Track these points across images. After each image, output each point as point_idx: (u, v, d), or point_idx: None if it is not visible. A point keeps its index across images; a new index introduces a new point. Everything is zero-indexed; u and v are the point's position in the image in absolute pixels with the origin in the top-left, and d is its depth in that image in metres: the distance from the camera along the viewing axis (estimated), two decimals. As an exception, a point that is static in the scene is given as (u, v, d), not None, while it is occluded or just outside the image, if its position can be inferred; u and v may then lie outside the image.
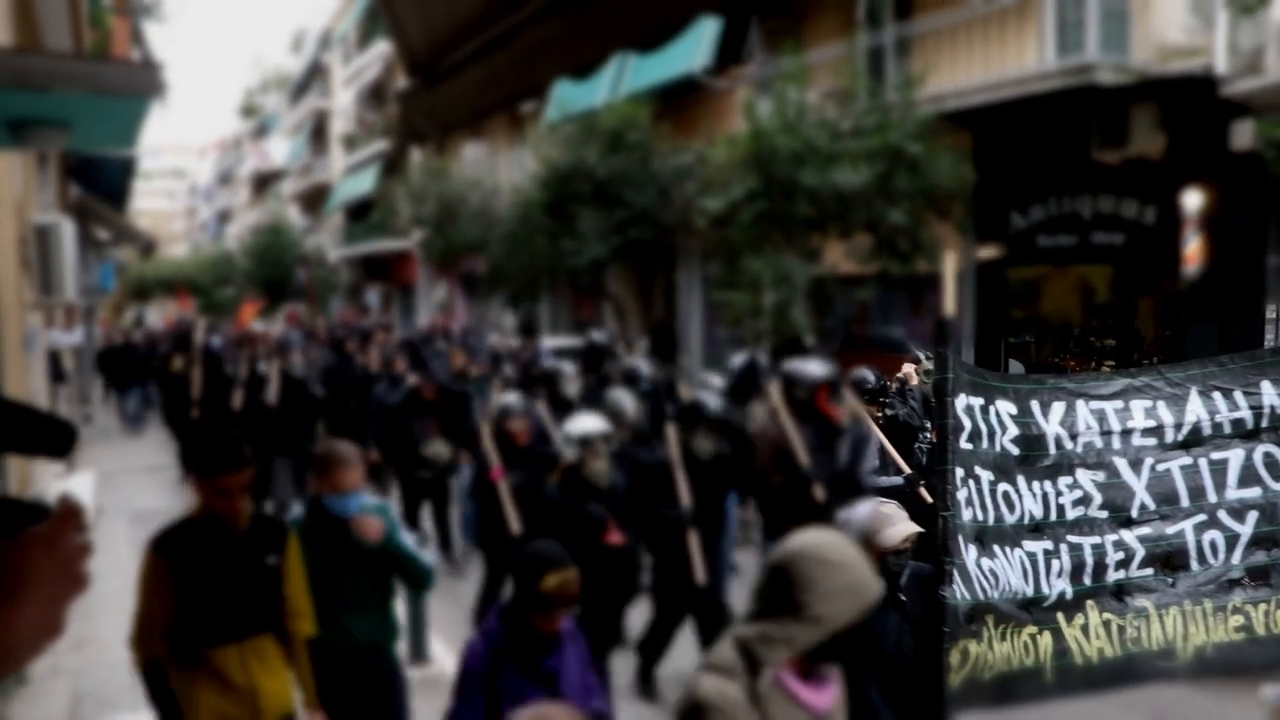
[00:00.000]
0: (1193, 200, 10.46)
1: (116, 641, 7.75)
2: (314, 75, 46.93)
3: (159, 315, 47.14)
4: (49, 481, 11.12)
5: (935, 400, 3.67)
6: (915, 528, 3.73)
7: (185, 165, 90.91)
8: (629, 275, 19.62)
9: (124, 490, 13.34)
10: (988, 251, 13.17)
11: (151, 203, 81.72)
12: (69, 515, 1.21)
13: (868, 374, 5.69)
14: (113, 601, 8.52)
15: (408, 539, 4.67)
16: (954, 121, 12.22)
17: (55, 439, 1.30)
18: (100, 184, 16.95)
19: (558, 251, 16.97)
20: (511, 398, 7.77)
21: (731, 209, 12.33)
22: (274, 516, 4.84)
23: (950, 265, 3.92)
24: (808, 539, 2.65)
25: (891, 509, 3.83)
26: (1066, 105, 11.22)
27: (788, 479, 6.40)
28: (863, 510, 3.82)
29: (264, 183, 57.95)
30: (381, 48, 34.68)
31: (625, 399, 8.34)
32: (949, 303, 3.81)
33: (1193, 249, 10.53)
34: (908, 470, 4.67)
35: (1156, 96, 10.90)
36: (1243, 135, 9.80)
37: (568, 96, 20.00)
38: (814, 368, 6.82)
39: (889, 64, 14.05)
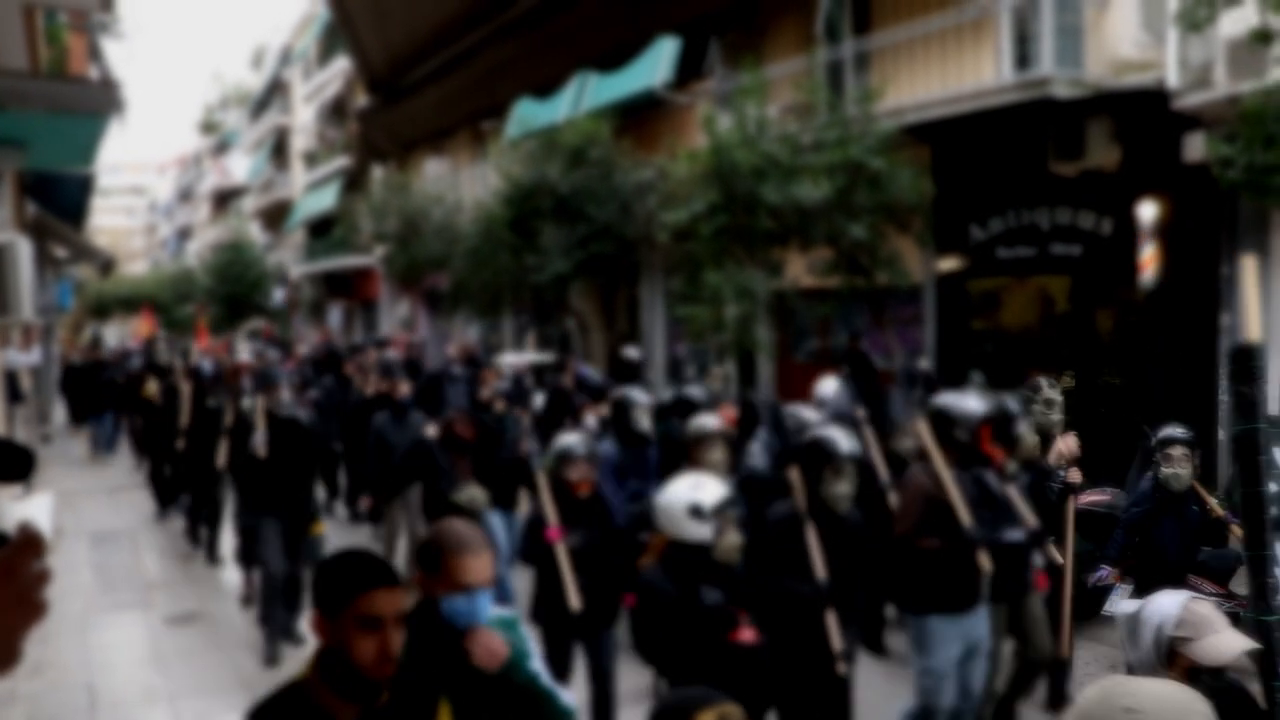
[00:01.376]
0: (1148, 211, 10.62)
1: (75, 665, 7.68)
2: (274, 91, 46.65)
3: (117, 334, 46.60)
4: (6, 504, 10.95)
5: (1241, 459, 3.01)
6: (1246, 640, 2.94)
7: (145, 182, 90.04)
8: (592, 290, 19.62)
9: (84, 511, 13.18)
10: (948, 264, 13.30)
11: (110, 220, 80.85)
12: (28, 543, 1.20)
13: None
14: (72, 625, 8.43)
15: (540, 667, 3.34)
16: (913, 135, 12.34)
17: (14, 464, 1.29)
18: (58, 201, 16.74)
19: (521, 267, 16.95)
20: (573, 438, 6.14)
21: (692, 223, 12.38)
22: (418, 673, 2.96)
23: (1250, 274, 3.14)
24: (1114, 685, 1.94)
25: (1208, 609, 2.95)
26: (1023, 118, 11.37)
27: (945, 542, 5.14)
28: (1164, 607, 2.94)
29: (224, 199, 57.48)
30: (342, 64, 34.55)
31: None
32: (1253, 322, 3.00)
33: (1148, 259, 10.69)
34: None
35: (1111, 110, 11.07)
36: (1194, 148, 9.97)
37: (529, 113, 20.01)
38: (974, 403, 5.52)
39: (848, 78, 14.17)
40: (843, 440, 5.20)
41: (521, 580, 7.43)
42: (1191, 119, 10.06)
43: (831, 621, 4.90)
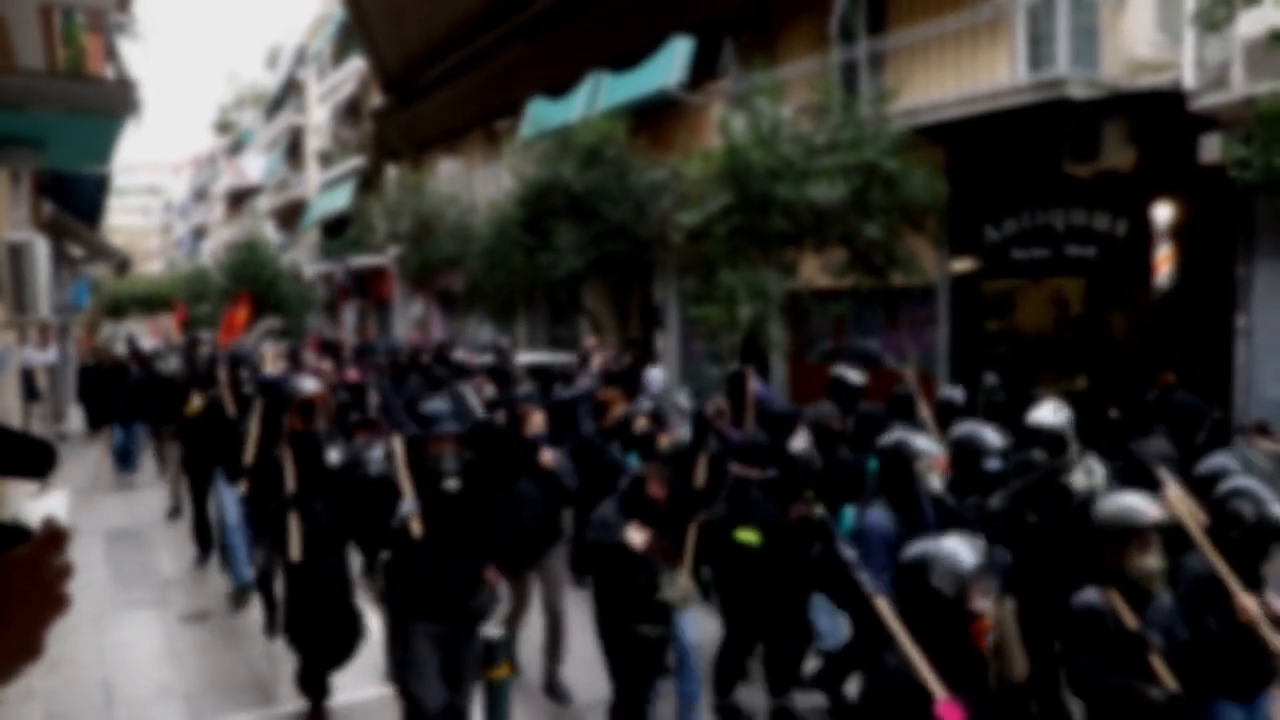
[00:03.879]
0: (1163, 213, 10.58)
1: (91, 662, 7.72)
2: (289, 91, 46.79)
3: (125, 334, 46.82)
4: (22, 501, 11.01)
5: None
6: None
7: (160, 182, 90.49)
8: (605, 290, 19.65)
9: (99, 509, 13.23)
10: (962, 265, 13.27)
11: (126, 219, 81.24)
12: (53, 537, 1.21)
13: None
14: (87, 622, 8.48)
15: None
16: (927, 135, 12.32)
17: (36, 460, 1.30)
18: (74, 201, 16.84)
19: (535, 266, 16.98)
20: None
21: (707, 223, 12.37)
22: None
23: None
24: None
25: None
26: (1038, 119, 11.33)
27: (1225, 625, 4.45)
28: None
29: (239, 199, 57.68)
30: (357, 64, 34.63)
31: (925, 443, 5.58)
32: None
33: (1163, 260, 10.65)
34: None
35: (1126, 111, 11.03)
36: (1210, 149, 9.93)
37: (543, 113, 20.05)
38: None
39: (863, 79, 14.15)
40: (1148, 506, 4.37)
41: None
42: (1208, 120, 10.02)
43: None
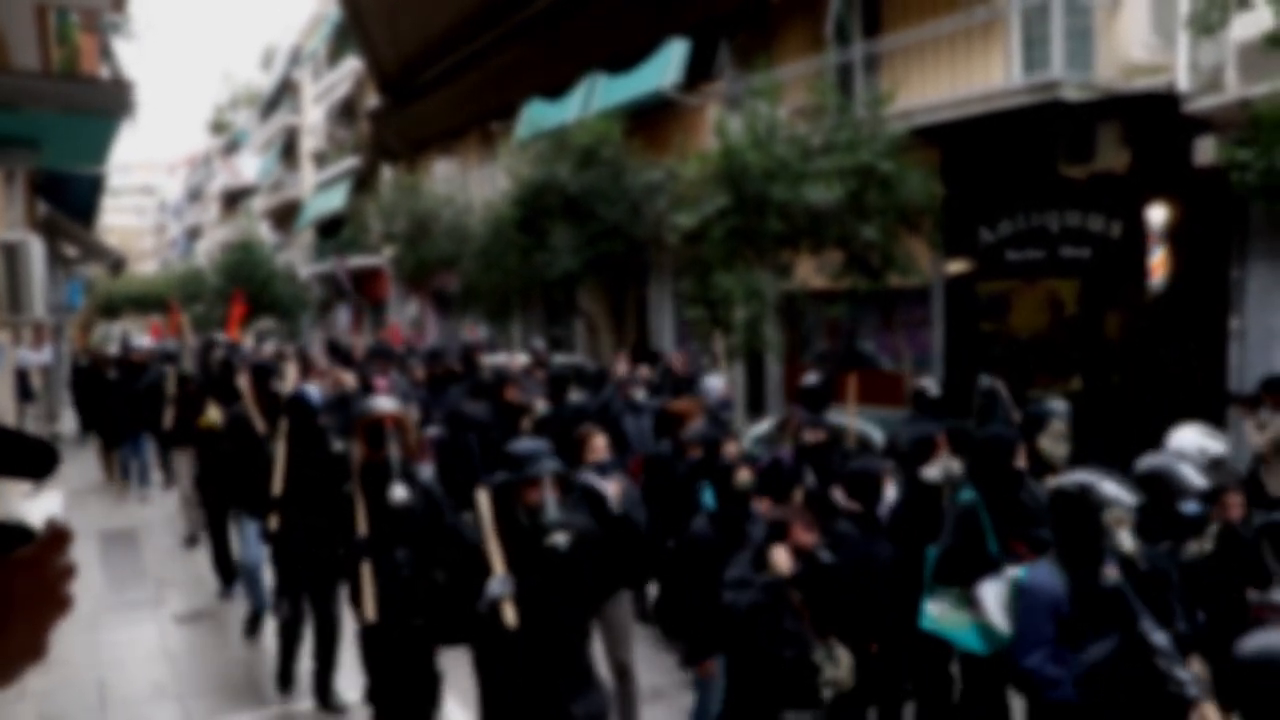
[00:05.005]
0: (1157, 215, 10.61)
1: (85, 662, 7.71)
2: (284, 91, 46.76)
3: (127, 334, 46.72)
4: (17, 501, 11.00)
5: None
6: None
7: (155, 182, 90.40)
8: (601, 291, 19.65)
9: (93, 509, 13.22)
10: (957, 266, 13.29)
11: (121, 219, 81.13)
12: (56, 538, 1.21)
13: None
14: (82, 623, 8.47)
15: None
16: (923, 137, 12.34)
17: (36, 461, 1.30)
18: (68, 201, 16.83)
19: (530, 267, 16.99)
20: None
21: (703, 225, 12.38)
22: None
23: None
24: None
25: None
26: (1033, 121, 11.36)
27: None
28: None
29: (234, 199, 57.62)
30: (352, 64, 34.62)
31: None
32: None
33: (1158, 262, 10.68)
34: None
35: (1120, 113, 11.06)
36: (1204, 151, 9.95)
37: (539, 114, 20.04)
38: None
39: (858, 80, 14.17)
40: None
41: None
42: (1202, 122, 10.04)
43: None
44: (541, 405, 9.07)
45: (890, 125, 12.01)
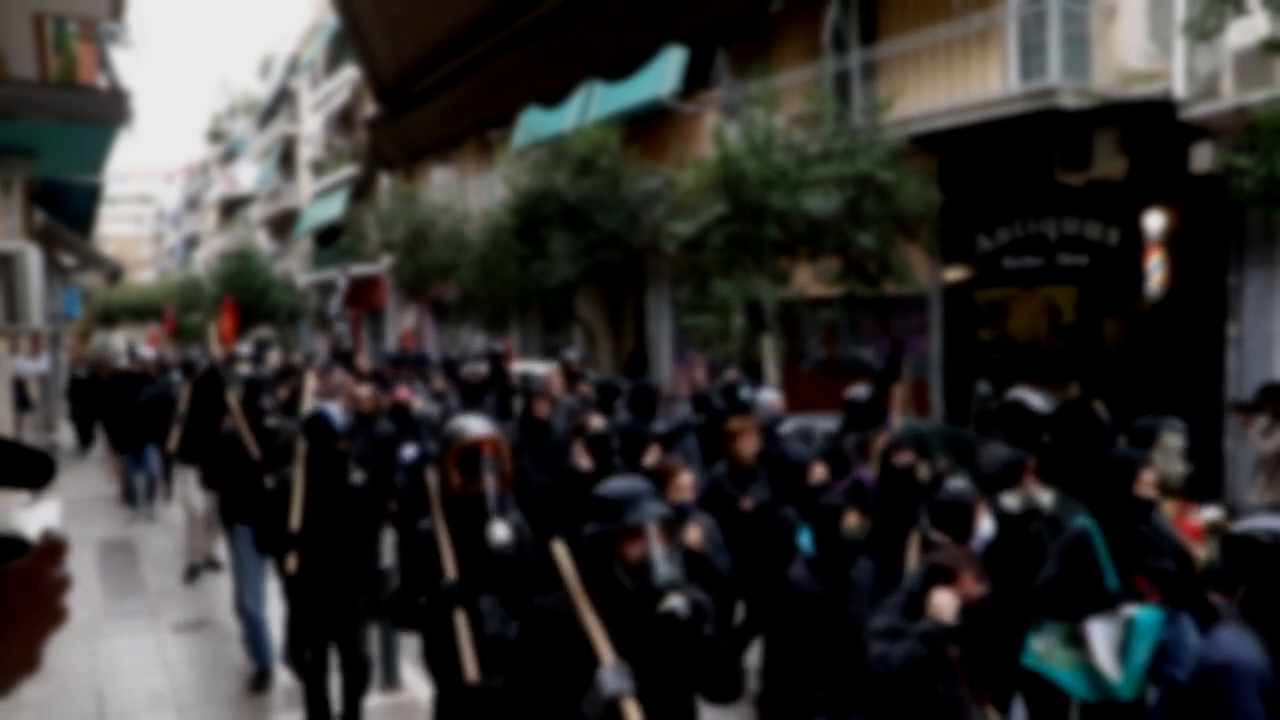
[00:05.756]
0: (1154, 222, 10.62)
1: (83, 672, 7.68)
2: (282, 100, 46.80)
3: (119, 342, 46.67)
4: (14, 511, 10.98)
5: None
6: None
7: (152, 190, 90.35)
8: (599, 299, 19.66)
9: (91, 519, 13.19)
10: (954, 273, 13.30)
11: (118, 228, 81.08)
12: (52, 550, 1.20)
13: None
14: (79, 632, 8.44)
15: None
16: (920, 145, 12.35)
17: (33, 471, 1.30)
18: (66, 210, 16.83)
19: (528, 275, 17.00)
20: None
21: (701, 233, 12.39)
22: None
23: None
24: None
25: None
26: (1030, 129, 11.37)
27: None
28: None
29: (232, 208, 57.64)
30: (350, 73, 34.64)
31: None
32: None
33: (1155, 269, 10.69)
34: None
35: (1117, 120, 11.07)
36: (1201, 158, 9.97)
37: (536, 122, 20.07)
38: None
39: (855, 88, 14.18)
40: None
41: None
42: (1198, 129, 10.06)
43: None
44: (597, 422, 7.57)
45: (888, 133, 12.03)
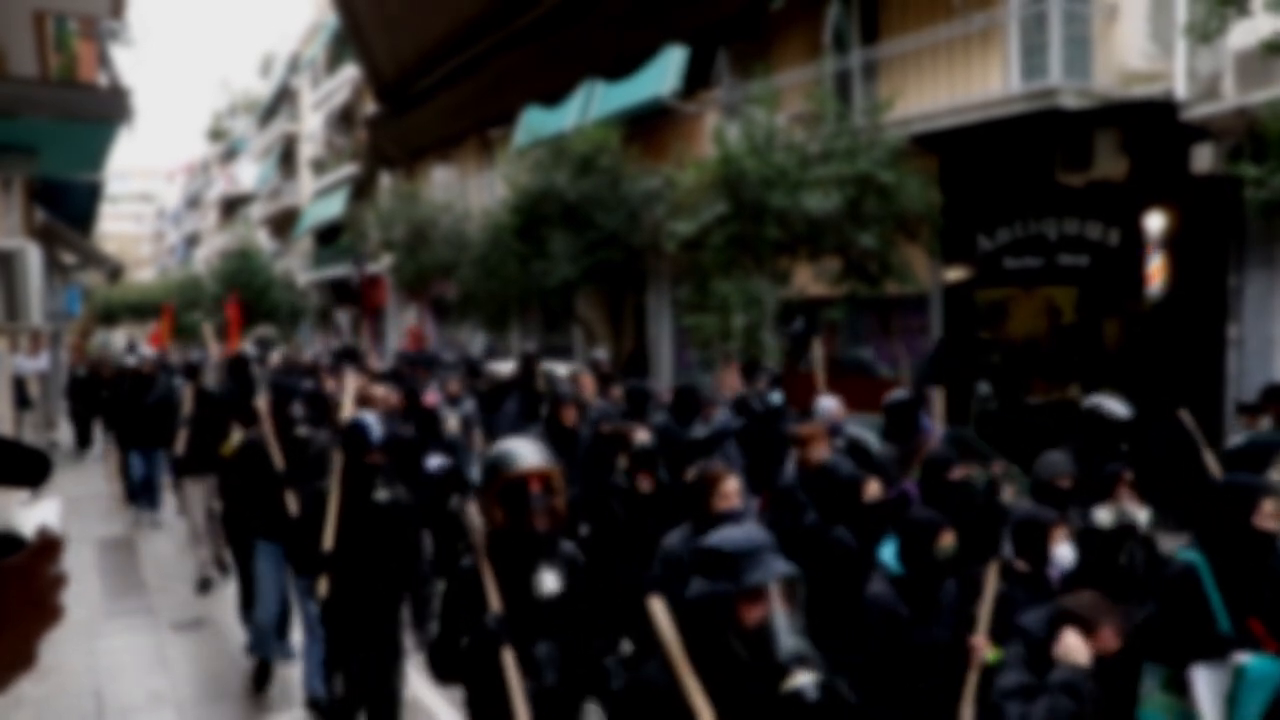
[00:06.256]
0: (1155, 222, 10.62)
1: (82, 670, 7.69)
2: (283, 99, 46.81)
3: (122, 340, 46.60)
4: (13, 509, 10.97)
5: None
6: None
7: (153, 189, 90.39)
8: (599, 298, 19.65)
9: (90, 517, 13.19)
10: (955, 274, 13.29)
11: (118, 226, 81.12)
12: (47, 547, 1.20)
13: None
14: (79, 630, 8.44)
15: None
16: (921, 144, 12.35)
17: (29, 469, 1.29)
18: (66, 208, 16.83)
19: (528, 274, 16.99)
20: None
21: (701, 232, 12.38)
22: None
23: None
24: None
25: None
26: (1031, 129, 11.37)
27: None
28: None
29: (232, 206, 57.66)
30: (350, 72, 34.65)
31: None
32: None
33: (1155, 270, 10.69)
34: None
35: (1118, 121, 11.07)
36: (1202, 159, 9.97)
37: (537, 121, 20.07)
38: None
39: (856, 88, 14.18)
40: None
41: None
42: (1199, 130, 10.06)
43: None
44: (644, 436, 6.81)
45: (888, 133, 12.02)
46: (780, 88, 13.41)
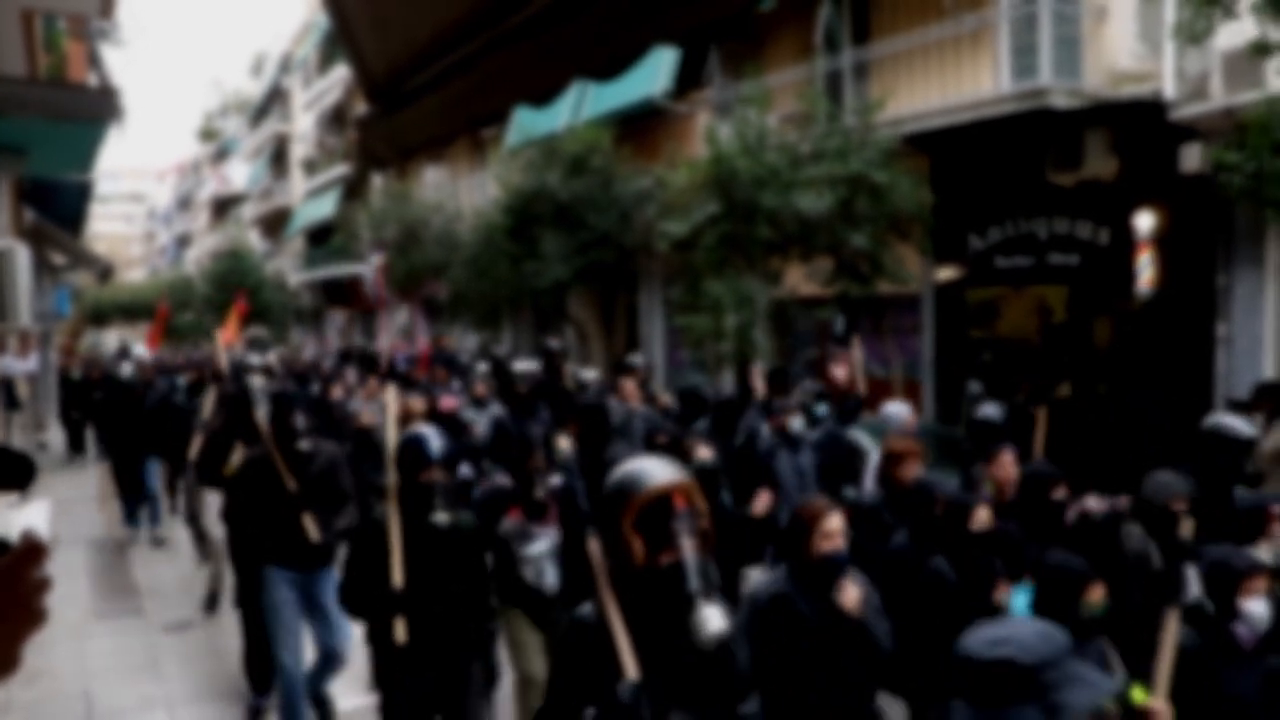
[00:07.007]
0: (1144, 221, 10.65)
1: (72, 673, 7.66)
2: (274, 99, 46.74)
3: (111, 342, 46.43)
4: (2, 511, 10.93)
5: None
6: None
7: (144, 189, 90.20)
8: (591, 298, 19.65)
9: (80, 519, 13.15)
10: (946, 273, 13.32)
11: (109, 227, 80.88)
12: (31, 551, 1.20)
13: None
14: (68, 633, 8.41)
15: None
16: (911, 144, 12.37)
17: (14, 472, 1.29)
18: (56, 208, 16.77)
19: (520, 275, 16.99)
20: None
21: (693, 232, 12.39)
22: None
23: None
24: None
25: None
26: (1021, 129, 11.40)
27: None
28: None
29: (224, 207, 57.55)
30: (342, 72, 34.62)
31: None
32: None
33: (1145, 269, 10.72)
34: None
35: (1108, 120, 11.10)
36: (1191, 158, 10.01)
37: (528, 122, 20.08)
38: None
39: (847, 88, 14.20)
40: None
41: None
42: (1188, 130, 10.10)
43: None
44: (705, 454, 6.02)
45: (880, 133, 12.04)
46: (772, 88, 13.42)
